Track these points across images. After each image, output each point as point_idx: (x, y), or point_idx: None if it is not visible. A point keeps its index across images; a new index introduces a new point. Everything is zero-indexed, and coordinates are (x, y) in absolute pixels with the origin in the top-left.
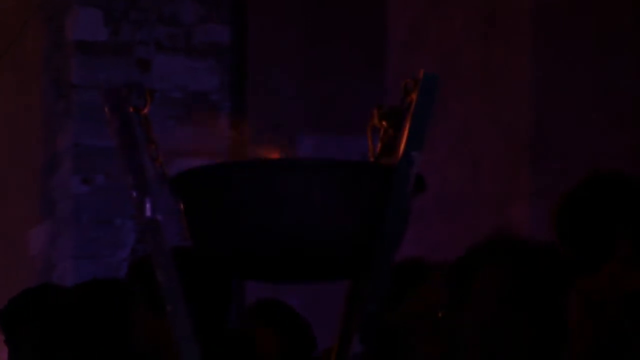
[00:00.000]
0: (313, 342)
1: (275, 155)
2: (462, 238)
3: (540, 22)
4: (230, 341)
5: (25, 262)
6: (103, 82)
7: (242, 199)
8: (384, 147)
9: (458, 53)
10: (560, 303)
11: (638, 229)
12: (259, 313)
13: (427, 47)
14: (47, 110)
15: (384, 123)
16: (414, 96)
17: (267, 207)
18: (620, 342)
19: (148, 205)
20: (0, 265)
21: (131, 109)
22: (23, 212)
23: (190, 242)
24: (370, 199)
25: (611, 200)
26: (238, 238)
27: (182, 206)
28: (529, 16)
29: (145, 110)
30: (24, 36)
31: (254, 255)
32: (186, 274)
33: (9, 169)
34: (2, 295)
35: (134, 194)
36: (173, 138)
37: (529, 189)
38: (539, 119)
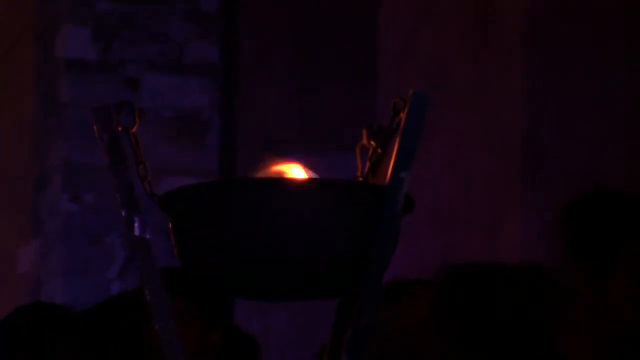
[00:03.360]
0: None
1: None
2: (454, 254)
3: (532, 36)
4: None
5: (14, 279)
6: (93, 100)
7: (230, 218)
8: (373, 166)
9: (449, 67)
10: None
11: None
12: None
13: (418, 62)
14: (37, 128)
15: (372, 142)
16: (403, 116)
17: (256, 226)
18: None
19: (136, 224)
20: None
21: (120, 128)
22: (12, 230)
23: (178, 261)
24: (360, 218)
25: (615, 214)
26: (227, 257)
27: (170, 225)
28: (520, 30)
29: (134, 129)
30: (13, 53)
31: (243, 274)
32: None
33: None
34: None
35: (123, 212)
36: (162, 156)
37: (521, 204)
38: (531, 134)
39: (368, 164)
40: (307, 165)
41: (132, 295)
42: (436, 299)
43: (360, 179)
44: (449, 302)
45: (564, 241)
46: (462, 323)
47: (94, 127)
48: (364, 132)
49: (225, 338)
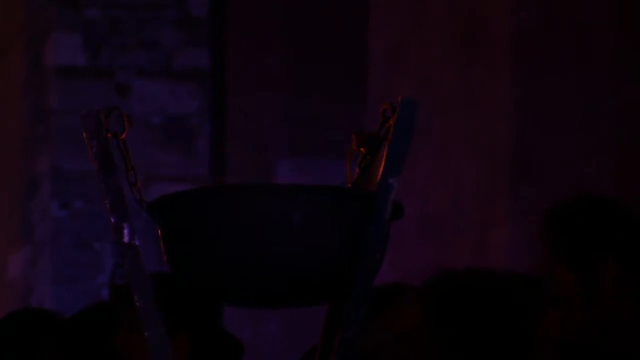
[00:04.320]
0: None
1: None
2: (442, 261)
3: (520, 45)
4: None
5: (4, 285)
6: (82, 106)
7: (220, 225)
8: (362, 173)
9: (438, 74)
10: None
11: (623, 255)
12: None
13: (407, 68)
14: (27, 134)
15: (362, 149)
16: (392, 122)
17: (246, 233)
18: None
19: (126, 231)
20: None
21: (109, 134)
22: (2, 236)
23: (168, 268)
24: (349, 224)
25: (597, 222)
26: (216, 264)
27: (159, 232)
28: (508, 38)
29: (124, 135)
30: (3, 60)
31: (233, 281)
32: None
33: None
34: None
35: (112, 219)
36: (152, 162)
37: (509, 211)
38: (519, 142)
39: (357, 170)
40: (296, 171)
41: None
42: (424, 307)
43: (350, 185)
44: (437, 310)
45: (546, 246)
46: (450, 330)
47: (84, 133)
48: (354, 138)
49: (205, 341)
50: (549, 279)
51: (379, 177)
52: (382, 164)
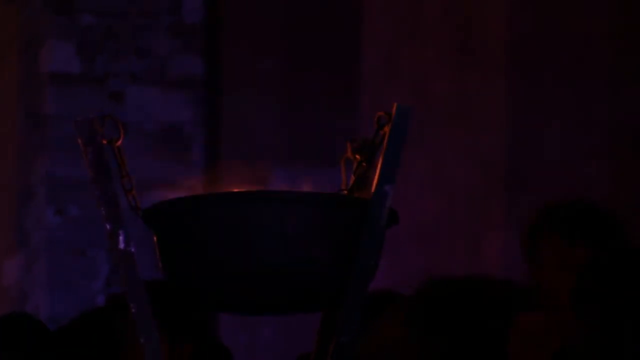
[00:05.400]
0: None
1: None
2: (436, 269)
3: (514, 52)
4: None
5: None
6: (77, 113)
7: (214, 232)
8: (357, 180)
9: (432, 83)
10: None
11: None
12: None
13: (401, 76)
14: (22, 141)
15: (357, 156)
16: (386, 129)
17: (241, 240)
18: None
19: (121, 237)
20: None
21: (104, 141)
22: None
23: (163, 274)
24: (344, 231)
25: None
26: (211, 270)
27: (155, 238)
28: (503, 46)
29: (119, 142)
30: None
31: (227, 288)
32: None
33: None
34: None
35: (107, 225)
36: (146, 170)
37: (504, 219)
38: (514, 150)
39: (352, 177)
40: (291, 179)
41: (109, 309)
42: (414, 315)
43: (345, 192)
44: (427, 318)
45: (530, 252)
46: (440, 338)
47: (79, 140)
48: (348, 145)
49: (197, 350)
50: (533, 281)
51: (374, 184)
52: (378, 171)
